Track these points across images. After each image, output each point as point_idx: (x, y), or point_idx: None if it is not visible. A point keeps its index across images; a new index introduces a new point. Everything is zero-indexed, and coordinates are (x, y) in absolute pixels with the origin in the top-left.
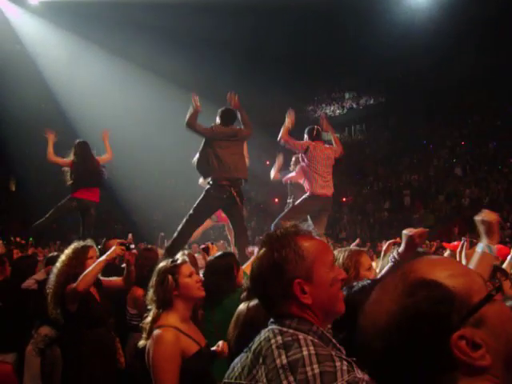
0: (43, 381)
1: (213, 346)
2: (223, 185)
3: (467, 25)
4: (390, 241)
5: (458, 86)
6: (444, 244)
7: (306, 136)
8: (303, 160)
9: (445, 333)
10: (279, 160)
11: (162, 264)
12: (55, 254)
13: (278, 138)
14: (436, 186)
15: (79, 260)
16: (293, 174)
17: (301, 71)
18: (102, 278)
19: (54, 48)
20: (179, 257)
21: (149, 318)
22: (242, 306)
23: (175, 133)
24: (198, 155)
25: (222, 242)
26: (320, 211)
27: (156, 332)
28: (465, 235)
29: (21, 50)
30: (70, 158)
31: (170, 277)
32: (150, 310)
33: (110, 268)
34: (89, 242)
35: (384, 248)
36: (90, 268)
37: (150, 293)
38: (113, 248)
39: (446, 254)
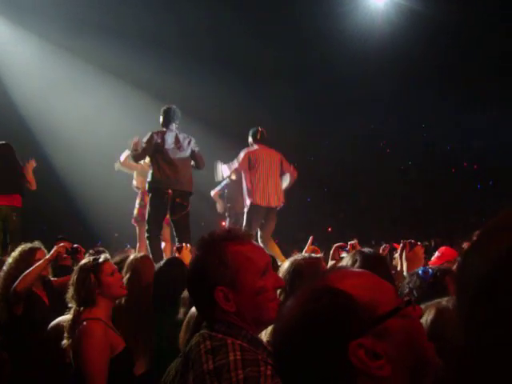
0: None
1: (165, 350)
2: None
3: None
4: (337, 244)
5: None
6: (394, 244)
7: (250, 139)
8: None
9: (343, 340)
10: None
11: (83, 262)
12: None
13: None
14: (391, 187)
15: (26, 262)
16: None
17: (258, 76)
18: (52, 279)
19: (9, 45)
20: (102, 255)
21: (69, 316)
22: (193, 309)
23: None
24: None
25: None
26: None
27: (84, 324)
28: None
29: None
30: None
31: (91, 275)
32: (69, 308)
33: (63, 270)
34: (36, 243)
35: (331, 252)
36: (31, 268)
37: (71, 290)
38: (54, 248)
39: (397, 254)
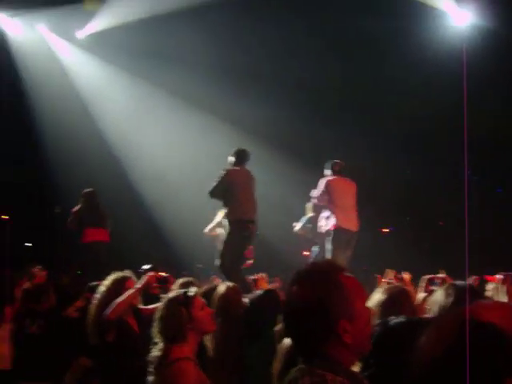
0: None
1: (252, 380)
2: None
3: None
4: (427, 276)
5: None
6: (486, 277)
7: (327, 171)
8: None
9: (500, 376)
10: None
11: (172, 295)
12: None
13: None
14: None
15: (117, 291)
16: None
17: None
18: (142, 307)
19: (101, 82)
20: (191, 289)
21: (158, 352)
22: (286, 341)
23: (212, 164)
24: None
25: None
26: (346, 244)
27: (177, 365)
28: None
29: (67, 83)
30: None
31: (183, 309)
32: (156, 343)
33: (151, 298)
34: (127, 272)
35: (423, 284)
36: (122, 297)
37: (159, 325)
38: (144, 277)
39: (491, 287)
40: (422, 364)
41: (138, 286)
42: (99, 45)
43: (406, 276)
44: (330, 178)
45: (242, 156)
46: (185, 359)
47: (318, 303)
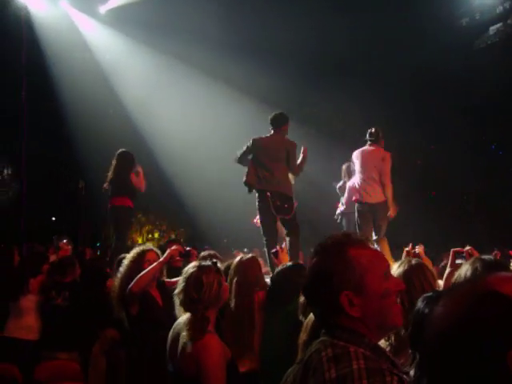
0: (108, 381)
1: (273, 351)
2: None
3: None
4: (454, 249)
5: None
6: (510, 252)
7: None
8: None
9: (504, 347)
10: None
11: (202, 265)
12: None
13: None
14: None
15: (138, 264)
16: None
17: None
18: (166, 280)
19: (122, 56)
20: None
21: (187, 322)
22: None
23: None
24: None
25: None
26: (370, 215)
27: (204, 338)
28: None
29: (90, 58)
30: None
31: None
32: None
33: (175, 272)
34: (148, 245)
35: (450, 260)
36: (145, 270)
37: (185, 295)
38: (168, 251)
39: None
40: (434, 336)
41: (162, 259)
42: (120, 19)
43: (420, 249)
44: (360, 148)
45: (271, 121)
46: (211, 333)
47: (323, 274)
